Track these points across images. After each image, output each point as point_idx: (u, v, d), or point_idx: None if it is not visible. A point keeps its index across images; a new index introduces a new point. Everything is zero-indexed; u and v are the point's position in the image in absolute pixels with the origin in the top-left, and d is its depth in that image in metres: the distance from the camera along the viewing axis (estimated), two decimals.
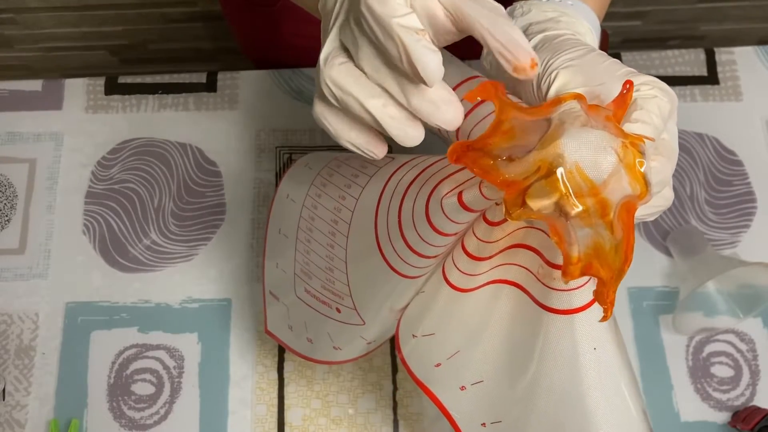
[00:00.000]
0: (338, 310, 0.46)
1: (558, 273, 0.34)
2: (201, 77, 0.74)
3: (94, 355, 0.65)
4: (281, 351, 0.65)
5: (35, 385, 0.64)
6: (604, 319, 0.31)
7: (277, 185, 0.57)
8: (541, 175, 0.28)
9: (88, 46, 1.32)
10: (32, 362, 0.64)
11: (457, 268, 0.38)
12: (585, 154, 0.28)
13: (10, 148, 0.71)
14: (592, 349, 0.36)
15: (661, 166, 0.32)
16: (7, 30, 1.28)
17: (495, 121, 0.29)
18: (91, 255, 0.68)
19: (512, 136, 0.29)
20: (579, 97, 0.29)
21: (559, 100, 0.29)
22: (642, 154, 0.29)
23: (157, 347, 0.65)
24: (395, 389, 0.64)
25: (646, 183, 0.30)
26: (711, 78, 0.74)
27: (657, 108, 0.31)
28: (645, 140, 0.30)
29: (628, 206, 0.30)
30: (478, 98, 0.29)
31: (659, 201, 0.33)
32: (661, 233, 0.69)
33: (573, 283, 0.33)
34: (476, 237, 0.36)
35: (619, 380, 0.39)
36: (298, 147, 0.71)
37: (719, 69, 0.74)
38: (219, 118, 0.72)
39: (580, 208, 0.28)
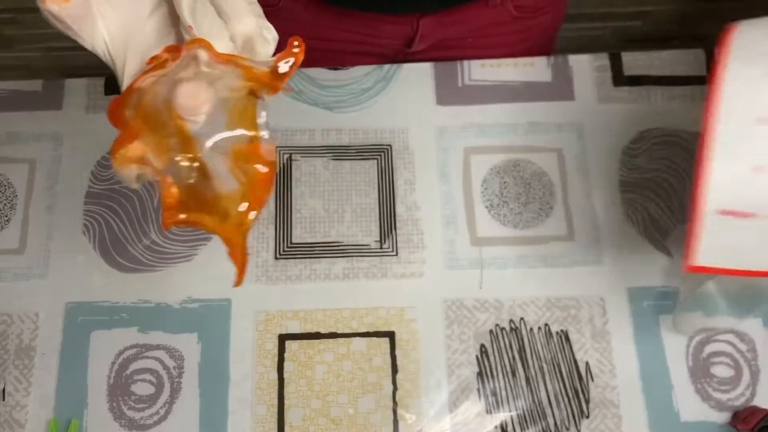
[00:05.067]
0: None
1: None
2: None
3: (94, 355, 0.65)
4: (281, 351, 0.65)
5: (35, 385, 0.64)
6: (236, 284, 0.32)
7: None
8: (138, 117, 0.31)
9: None
10: (32, 362, 0.64)
11: None
12: (180, 100, 0.30)
13: (9, 148, 0.71)
14: None
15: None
16: (8, 30, 1.28)
17: (132, 82, 0.32)
18: (91, 255, 0.68)
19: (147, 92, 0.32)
20: (172, 50, 0.32)
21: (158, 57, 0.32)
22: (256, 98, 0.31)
23: (157, 347, 0.65)
24: (395, 389, 0.64)
25: (257, 127, 0.31)
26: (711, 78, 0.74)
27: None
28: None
29: (247, 155, 0.30)
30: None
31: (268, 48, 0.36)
32: (661, 233, 0.69)
33: None
34: None
35: None
36: (298, 147, 0.71)
37: None
38: None
39: (182, 158, 0.30)
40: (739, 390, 0.64)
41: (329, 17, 0.74)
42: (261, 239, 0.68)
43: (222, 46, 0.35)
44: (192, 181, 0.30)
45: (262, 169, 0.30)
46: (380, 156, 0.71)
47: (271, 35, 0.39)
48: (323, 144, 0.71)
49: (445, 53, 0.78)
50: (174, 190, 0.30)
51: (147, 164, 0.30)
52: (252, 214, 0.31)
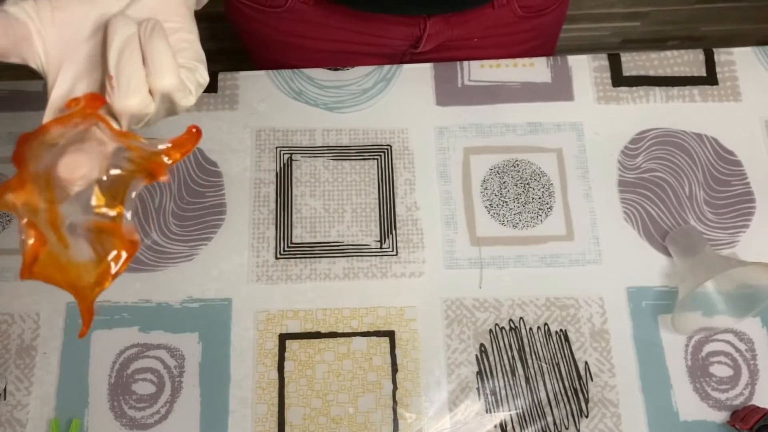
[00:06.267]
0: None
1: None
2: None
3: (95, 355, 0.65)
4: (281, 350, 0.65)
5: (36, 385, 0.64)
6: (80, 335, 0.34)
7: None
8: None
9: None
10: (33, 362, 0.65)
11: None
12: (59, 170, 0.33)
13: (11, 148, 0.71)
14: None
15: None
16: None
17: (45, 124, 0.34)
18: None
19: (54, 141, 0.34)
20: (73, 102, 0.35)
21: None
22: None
23: (158, 347, 0.65)
24: (395, 389, 0.64)
25: (122, 207, 0.34)
26: (710, 78, 0.74)
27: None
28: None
29: (109, 230, 0.33)
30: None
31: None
32: (660, 233, 0.69)
33: None
34: None
35: None
36: (298, 147, 0.71)
37: (718, 69, 0.75)
38: (219, 118, 0.73)
39: (32, 217, 0.33)
40: (738, 389, 0.65)
41: (337, 18, 0.74)
42: (261, 239, 0.68)
43: (136, 101, 0.36)
44: (52, 244, 0.33)
45: (121, 255, 0.34)
46: (380, 156, 0.71)
47: (196, 84, 0.39)
48: (323, 144, 0.71)
49: (451, 54, 0.78)
50: (34, 248, 0.34)
51: (18, 215, 0.33)
52: (109, 282, 0.34)
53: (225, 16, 0.83)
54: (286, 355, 0.65)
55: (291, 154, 0.71)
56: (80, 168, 0.33)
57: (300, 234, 0.69)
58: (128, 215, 0.34)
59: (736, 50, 0.76)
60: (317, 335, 0.65)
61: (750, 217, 0.70)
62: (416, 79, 0.74)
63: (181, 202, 0.70)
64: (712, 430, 0.63)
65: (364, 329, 0.66)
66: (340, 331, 0.65)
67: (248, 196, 0.70)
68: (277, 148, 0.71)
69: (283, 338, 0.65)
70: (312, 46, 0.77)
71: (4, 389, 0.64)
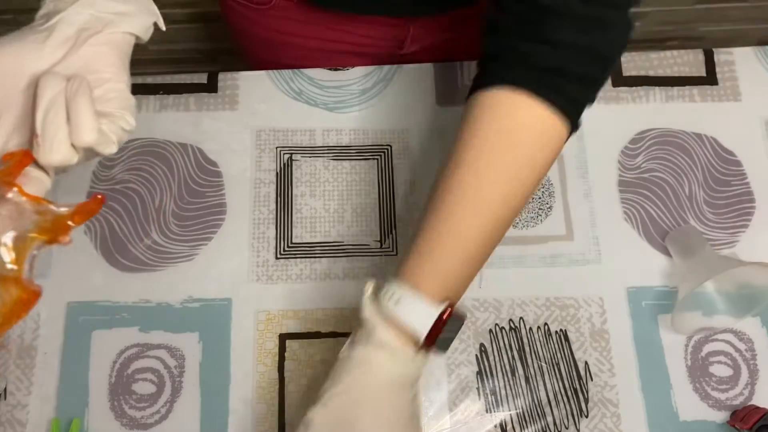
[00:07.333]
0: None
1: None
2: (202, 78, 0.74)
3: (96, 355, 0.65)
4: (282, 350, 0.65)
5: (36, 385, 0.64)
6: None
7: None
8: None
9: None
10: (33, 362, 0.65)
11: None
12: None
13: None
14: None
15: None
16: (8, 31, 1.28)
17: None
18: (93, 255, 0.68)
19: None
20: None
21: None
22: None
23: (158, 347, 0.65)
24: None
25: (23, 263, 0.41)
26: (710, 78, 0.74)
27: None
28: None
29: (14, 282, 0.40)
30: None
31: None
32: (659, 233, 0.69)
33: None
34: None
35: None
36: (298, 147, 0.71)
37: (718, 70, 0.75)
38: (219, 118, 0.73)
39: None
40: (738, 389, 0.65)
41: (320, 17, 0.74)
42: (262, 239, 0.68)
43: (59, 157, 0.41)
44: None
45: (24, 301, 0.41)
46: (380, 156, 0.71)
47: (119, 133, 0.43)
48: (323, 144, 0.72)
49: (437, 56, 0.78)
50: None
51: None
52: (12, 324, 0.40)
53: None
54: (287, 355, 0.65)
55: (291, 154, 0.71)
56: None
57: (300, 234, 0.69)
58: (27, 270, 0.41)
59: (736, 50, 0.76)
60: (317, 335, 0.65)
61: (750, 217, 0.70)
62: (416, 79, 0.74)
63: (181, 202, 0.70)
64: (712, 430, 0.63)
65: None
66: (340, 331, 0.66)
67: (248, 196, 0.70)
68: (277, 148, 0.71)
69: (283, 338, 0.65)
70: (299, 44, 0.77)
71: (4, 389, 0.64)
